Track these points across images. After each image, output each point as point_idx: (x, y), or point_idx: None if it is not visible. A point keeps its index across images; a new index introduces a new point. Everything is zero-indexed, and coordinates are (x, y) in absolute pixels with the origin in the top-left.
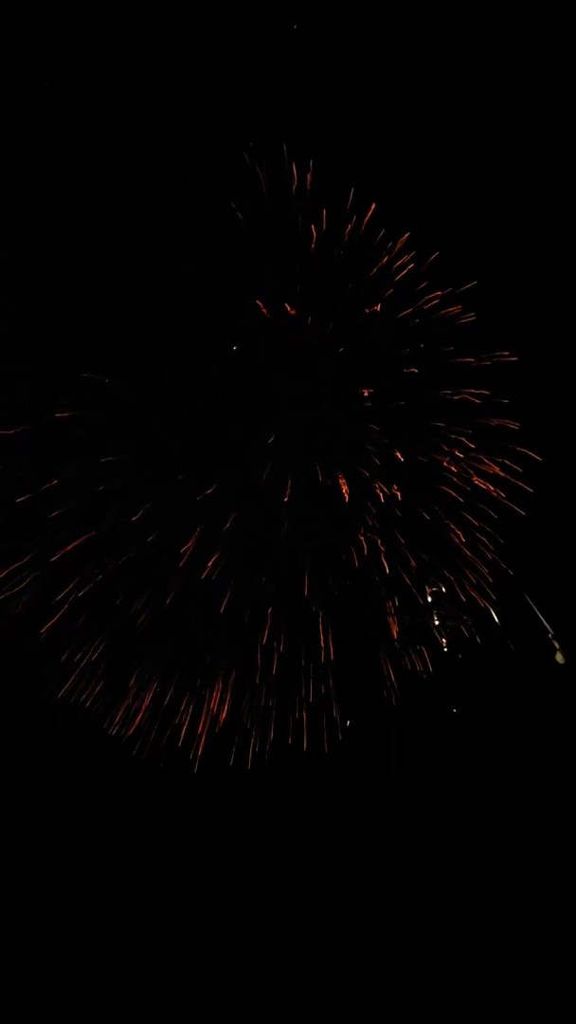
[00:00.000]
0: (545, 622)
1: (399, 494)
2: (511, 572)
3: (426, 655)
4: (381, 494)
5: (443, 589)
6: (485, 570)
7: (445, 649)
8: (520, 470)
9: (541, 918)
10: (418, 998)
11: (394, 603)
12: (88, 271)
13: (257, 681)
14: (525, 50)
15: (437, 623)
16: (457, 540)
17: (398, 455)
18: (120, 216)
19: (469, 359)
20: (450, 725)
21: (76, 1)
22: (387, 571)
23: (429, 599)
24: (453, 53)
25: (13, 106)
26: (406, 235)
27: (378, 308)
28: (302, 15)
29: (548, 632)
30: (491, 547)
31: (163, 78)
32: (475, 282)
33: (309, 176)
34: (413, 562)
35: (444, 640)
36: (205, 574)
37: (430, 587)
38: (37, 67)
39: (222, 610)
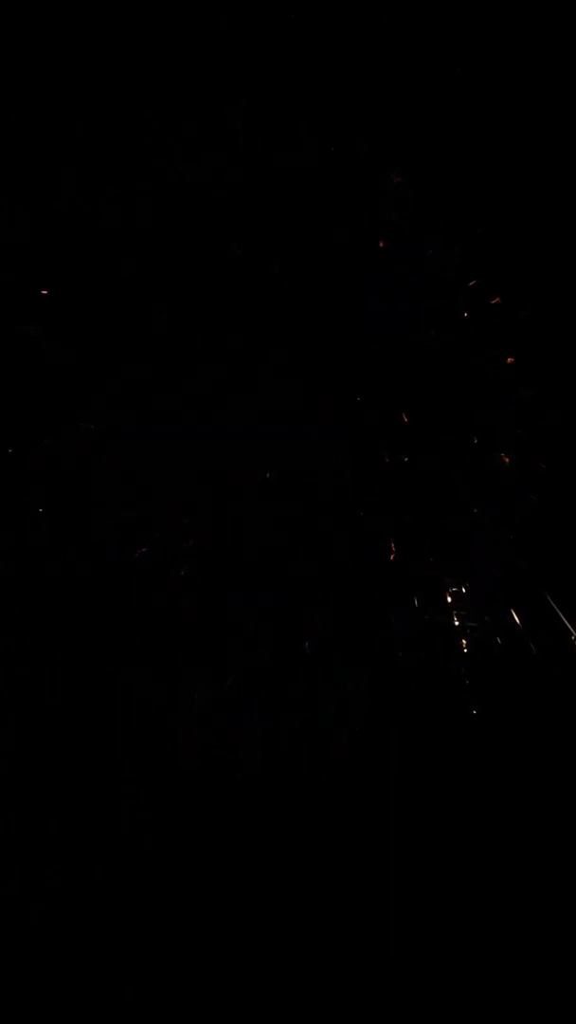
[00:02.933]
0: (568, 624)
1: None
2: (534, 571)
3: (442, 655)
4: (387, 458)
5: (463, 589)
6: (507, 569)
7: (465, 650)
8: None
9: (543, 920)
10: (418, 998)
11: (414, 601)
12: (87, 271)
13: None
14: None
15: (457, 624)
16: (478, 532)
17: (404, 418)
18: (120, 216)
19: (496, 298)
20: (463, 726)
21: (76, 1)
22: (392, 556)
23: (449, 599)
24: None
25: (13, 106)
26: (397, 180)
27: (382, 245)
28: (301, 13)
29: (572, 634)
30: (513, 543)
31: (163, 78)
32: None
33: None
34: (426, 558)
35: (464, 641)
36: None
37: (449, 587)
38: (37, 67)
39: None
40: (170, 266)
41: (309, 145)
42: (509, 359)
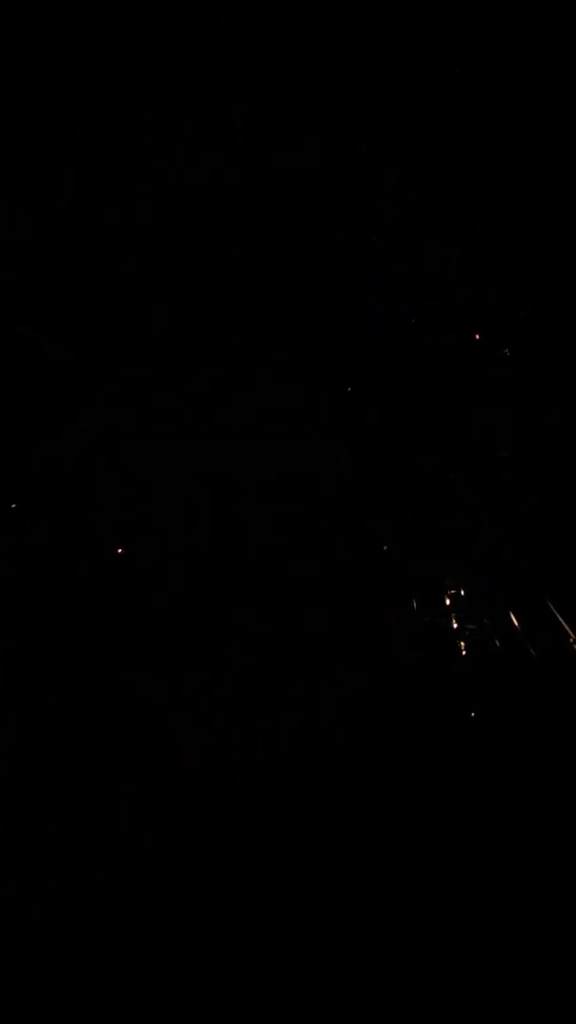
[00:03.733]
0: (567, 627)
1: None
2: (534, 571)
3: (441, 658)
4: (387, 458)
5: (462, 592)
6: (507, 569)
7: (464, 652)
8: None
9: (543, 920)
10: (418, 998)
11: (414, 602)
12: (87, 271)
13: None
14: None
15: (456, 626)
16: (478, 532)
17: (404, 418)
18: (120, 216)
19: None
20: (463, 726)
21: (76, 1)
22: (384, 547)
23: (448, 601)
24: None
25: (13, 106)
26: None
27: (377, 243)
28: (301, 13)
29: (570, 637)
30: (513, 543)
31: (163, 78)
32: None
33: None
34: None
35: (462, 643)
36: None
37: (449, 588)
38: (37, 67)
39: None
40: (170, 266)
41: (309, 145)
42: (506, 350)
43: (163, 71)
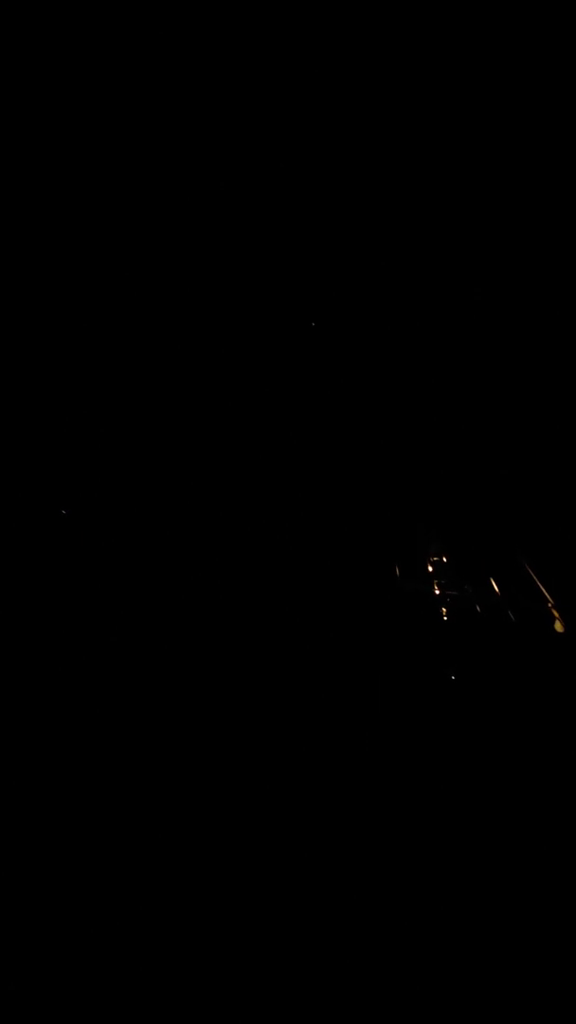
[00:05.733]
0: (544, 591)
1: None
2: (512, 540)
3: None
4: (388, 460)
5: (444, 559)
6: (487, 539)
7: (445, 618)
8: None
9: (542, 918)
10: (418, 998)
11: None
12: (87, 271)
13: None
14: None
15: (438, 592)
16: (458, 506)
17: (405, 421)
18: (120, 216)
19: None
20: (462, 725)
21: (76, 2)
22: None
23: (430, 569)
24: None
25: (13, 106)
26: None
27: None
28: (303, 15)
29: (547, 601)
30: (492, 514)
31: (163, 78)
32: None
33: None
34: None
35: (444, 609)
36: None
37: (432, 556)
38: (37, 68)
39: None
40: (170, 266)
41: (309, 145)
42: (506, 351)
43: (163, 71)
